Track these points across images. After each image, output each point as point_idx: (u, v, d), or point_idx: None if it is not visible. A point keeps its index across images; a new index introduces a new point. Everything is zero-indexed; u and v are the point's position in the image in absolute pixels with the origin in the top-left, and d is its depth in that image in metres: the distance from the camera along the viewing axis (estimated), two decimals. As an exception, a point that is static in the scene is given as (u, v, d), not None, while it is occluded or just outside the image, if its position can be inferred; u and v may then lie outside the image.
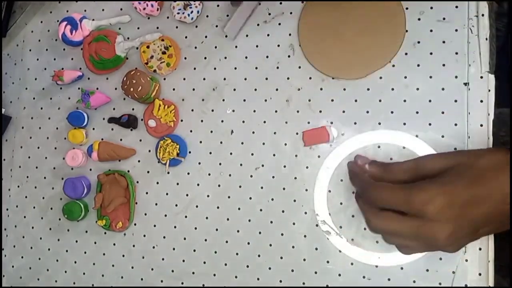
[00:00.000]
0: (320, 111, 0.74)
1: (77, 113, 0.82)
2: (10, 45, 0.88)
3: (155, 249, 0.79)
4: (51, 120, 0.85)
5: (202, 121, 0.78)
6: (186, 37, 0.80)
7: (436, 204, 0.54)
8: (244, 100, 0.77)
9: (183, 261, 0.78)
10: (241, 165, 0.76)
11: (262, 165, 0.75)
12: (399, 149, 0.70)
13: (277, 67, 0.76)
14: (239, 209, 0.76)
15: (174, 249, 0.78)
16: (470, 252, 0.67)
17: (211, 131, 0.78)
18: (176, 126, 0.79)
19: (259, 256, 0.75)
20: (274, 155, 0.75)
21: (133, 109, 0.81)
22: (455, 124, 0.68)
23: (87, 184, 0.81)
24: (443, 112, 0.69)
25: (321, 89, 0.74)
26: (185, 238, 0.78)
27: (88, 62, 0.82)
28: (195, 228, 0.78)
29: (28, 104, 0.87)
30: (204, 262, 0.77)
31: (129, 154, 0.81)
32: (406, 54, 0.70)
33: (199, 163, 0.78)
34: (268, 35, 0.76)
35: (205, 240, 0.77)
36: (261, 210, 0.75)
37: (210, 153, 0.77)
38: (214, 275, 0.76)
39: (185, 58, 0.80)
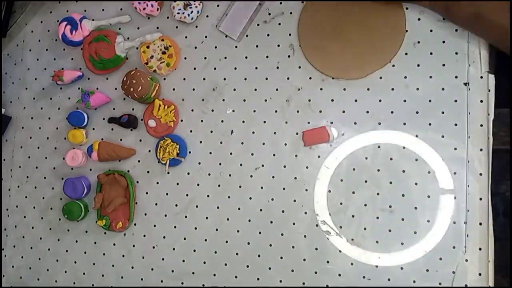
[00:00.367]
0: (320, 111, 0.74)
1: (77, 113, 0.82)
2: (10, 45, 0.88)
3: (155, 249, 0.79)
4: (51, 120, 0.85)
5: (202, 121, 0.78)
6: (186, 37, 0.80)
7: None
8: (244, 100, 0.77)
9: (183, 261, 0.78)
10: (241, 165, 0.76)
11: (262, 165, 0.75)
12: (399, 149, 0.70)
13: (277, 67, 0.75)
14: (239, 209, 0.76)
15: (174, 249, 0.78)
16: (470, 252, 0.67)
17: (211, 131, 0.78)
18: (176, 126, 0.79)
19: (259, 256, 0.75)
20: (274, 155, 0.75)
21: (133, 109, 0.81)
22: (455, 124, 0.68)
23: (87, 184, 0.81)
24: (443, 112, 0.69)
25: (321, 89, 0.74)
26: (185, 238, 0.78)
27: (88, 62, 0.82)
28: (195, 228, 0.78)
29: (28, 104, 0.86)
30: (204, 262, 0.77)
31: (129, 154, 0.81)
32: (406, 54, 0.70)
33: (199, 163, 0.78)
34: (268, 35, 0.76)
35: (205, 240, 0.77)
36: (261, 210, 0.75)
37: (210, 153, 0.77)
38: (214, 275, 0.76)
39: (185, 58, 0.80)
